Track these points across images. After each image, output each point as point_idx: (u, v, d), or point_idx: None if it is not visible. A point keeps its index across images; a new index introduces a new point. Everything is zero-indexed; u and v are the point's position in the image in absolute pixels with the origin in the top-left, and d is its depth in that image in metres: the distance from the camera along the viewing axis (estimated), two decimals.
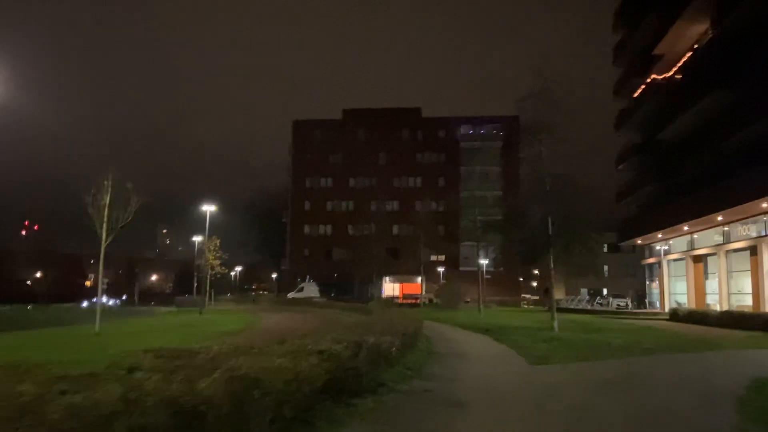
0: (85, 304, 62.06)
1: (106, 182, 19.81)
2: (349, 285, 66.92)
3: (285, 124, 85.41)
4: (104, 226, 19.91)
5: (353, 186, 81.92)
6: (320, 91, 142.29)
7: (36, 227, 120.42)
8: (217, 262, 43.02)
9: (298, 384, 5.47)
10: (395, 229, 79.28)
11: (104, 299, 43.68)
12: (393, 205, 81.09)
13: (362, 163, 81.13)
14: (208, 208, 39.35)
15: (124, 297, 79.68)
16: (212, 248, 42.13)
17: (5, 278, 79.46)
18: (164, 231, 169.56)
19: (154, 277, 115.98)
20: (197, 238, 48.22)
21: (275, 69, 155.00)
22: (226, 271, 51.93)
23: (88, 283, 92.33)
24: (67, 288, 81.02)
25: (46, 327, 24.10)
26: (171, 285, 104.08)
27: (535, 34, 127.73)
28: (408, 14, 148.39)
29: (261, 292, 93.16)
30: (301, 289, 65.15)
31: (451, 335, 20.59)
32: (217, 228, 44.78)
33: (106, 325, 20.80)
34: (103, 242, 20.12)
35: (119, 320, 27.72)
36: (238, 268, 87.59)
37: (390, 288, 74.60)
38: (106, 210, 19.87)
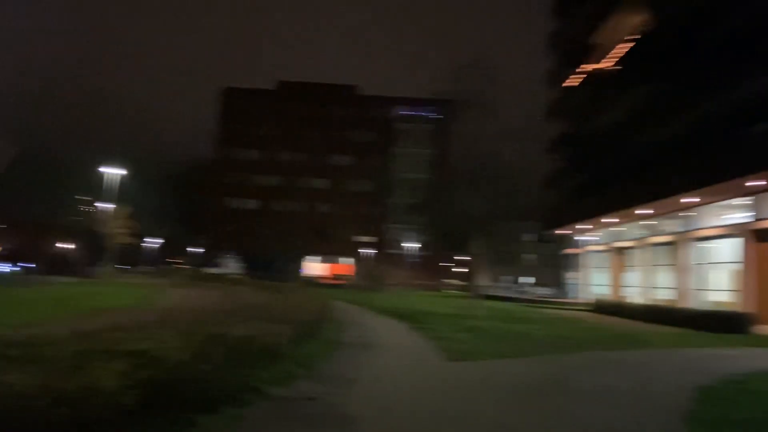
0: None
1: None
2: (272, 262, 64.36)
3: (213, 91, 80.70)
4: None
5: (282, 160, 78.81)
6: (254, 62, 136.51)
7: None
8: (123, 231, 39.41)
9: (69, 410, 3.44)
10: (324, 207, 77.14)
11: None
12: (323, 183, 78.80)
13: (293, 138, 78.10)
14: (116, 171, 36.10)
15: (26, 265, 73.45)
16: (117, 217, 38.56)
17: None
18: (79, 197, 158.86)
19: (65, 245, 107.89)
20: (104, 205, 44.09)
21: (207, 33, 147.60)
22: (136, 242, 47.96)
23: None
24: None
25: None
26: (80, 254, 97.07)
27: (475, 19, 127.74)
28: None
29: (180, 266, 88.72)
30: (219, 264, 62.21)
31: (366, 321, 18.95)
32: (129, 195, 41.32)
33: None
34: None
35: None
36: (158, 240, 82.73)
37: (316, 267, 72.66)
38: None
